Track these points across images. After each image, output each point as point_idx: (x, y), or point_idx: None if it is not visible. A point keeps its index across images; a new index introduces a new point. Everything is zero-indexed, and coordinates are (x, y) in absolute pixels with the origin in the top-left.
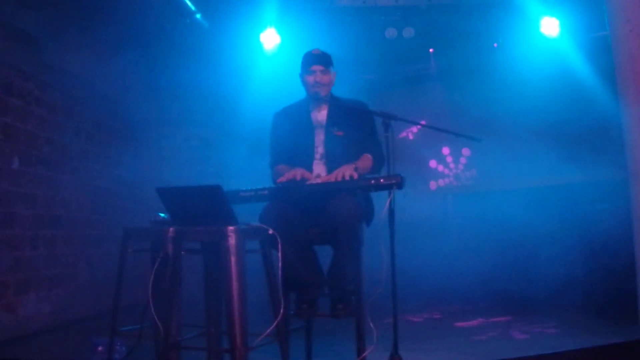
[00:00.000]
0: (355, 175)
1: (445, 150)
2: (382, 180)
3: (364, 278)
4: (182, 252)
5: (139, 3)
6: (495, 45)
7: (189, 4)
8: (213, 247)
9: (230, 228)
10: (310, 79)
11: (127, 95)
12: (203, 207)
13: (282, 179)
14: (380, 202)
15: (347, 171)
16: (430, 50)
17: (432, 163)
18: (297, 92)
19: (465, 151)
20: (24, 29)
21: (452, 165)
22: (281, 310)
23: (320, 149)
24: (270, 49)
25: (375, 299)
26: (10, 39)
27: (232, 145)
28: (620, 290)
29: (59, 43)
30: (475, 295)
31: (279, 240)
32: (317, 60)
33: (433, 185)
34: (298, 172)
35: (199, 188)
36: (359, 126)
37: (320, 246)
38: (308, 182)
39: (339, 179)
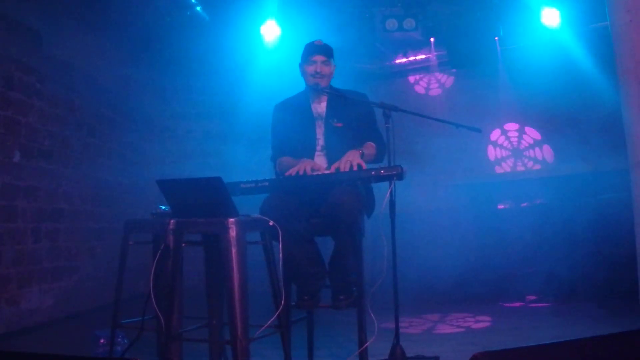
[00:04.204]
0: (363, 164)
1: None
2: (382, 172)
3: (365, 269)
4: (183, 244)
5: None
6: (496, 38)
7: None
8: (214, 238)
9: (231, 220)
10: (311, 68)
11: (129, 88)
12: (204, 199)
13: (292, 171)
14: (382, 193)
15: (354, 159)
16: (431, 39)
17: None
18: (297, 84)
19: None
20: (25, 22)
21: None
22: (282, 302)
23: (321, 141)
24: (270, 41)
25: (376, 290)
26: (11, 32)
27: (234, 137)
28: (621, 280)
29: (60, 36)
30: (476, 285)
31: (279, 231)
32: (319, 50)
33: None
34: (308, 165)
35: (199, 180)
36: (359, 117)
37: (321, 237)
38: (315, 173)
39: (347, 167)
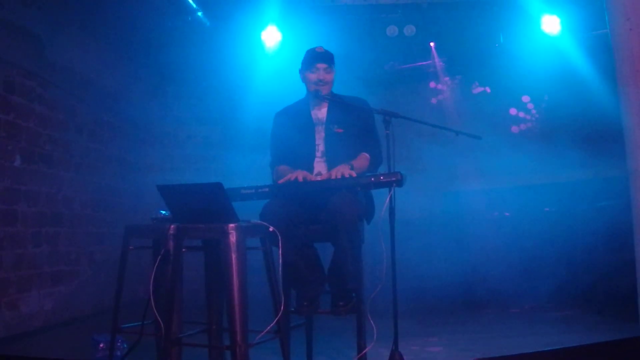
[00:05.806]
0: (353, 174)
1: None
2: (382, 178)
3: (364, 275)
4: (183, 250)
5: (141, 1)
6: (497, 45)
7: (191, 2)
8: (214, 244)
9: (231, 225)
10: (314, 76)
11: (130, 93)
12: (204, 205)
13: (284, 180)
14: (382, 199)
15: (344, 171)
16: (432, 45)
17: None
18: (298, 90)
19: None
20: (26, 27)
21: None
22: (282, 307)
23: (321, 147)
24: (271, 46)
25: (375, 296)
26: (13, 37)
27: (234, 143)
28: (621, 287)
29: (61, 40)
30: (475, 292)
31: (279, 237)
32: (321, 58)
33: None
34: (300, 174)
35: (200, 185)
36: (359, 123)
37: (321, 243)
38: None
39: (339, 177)
